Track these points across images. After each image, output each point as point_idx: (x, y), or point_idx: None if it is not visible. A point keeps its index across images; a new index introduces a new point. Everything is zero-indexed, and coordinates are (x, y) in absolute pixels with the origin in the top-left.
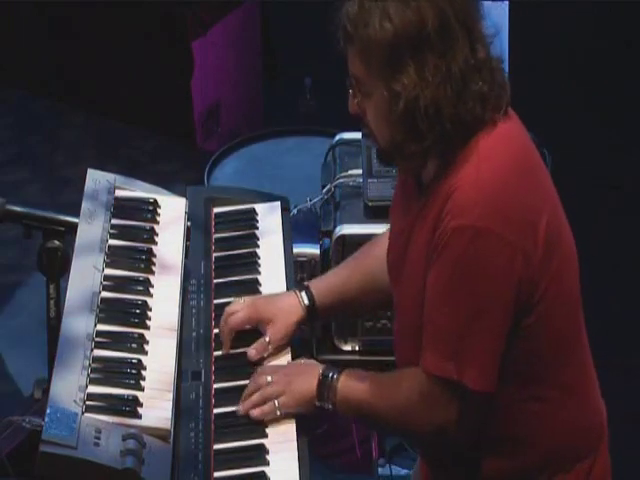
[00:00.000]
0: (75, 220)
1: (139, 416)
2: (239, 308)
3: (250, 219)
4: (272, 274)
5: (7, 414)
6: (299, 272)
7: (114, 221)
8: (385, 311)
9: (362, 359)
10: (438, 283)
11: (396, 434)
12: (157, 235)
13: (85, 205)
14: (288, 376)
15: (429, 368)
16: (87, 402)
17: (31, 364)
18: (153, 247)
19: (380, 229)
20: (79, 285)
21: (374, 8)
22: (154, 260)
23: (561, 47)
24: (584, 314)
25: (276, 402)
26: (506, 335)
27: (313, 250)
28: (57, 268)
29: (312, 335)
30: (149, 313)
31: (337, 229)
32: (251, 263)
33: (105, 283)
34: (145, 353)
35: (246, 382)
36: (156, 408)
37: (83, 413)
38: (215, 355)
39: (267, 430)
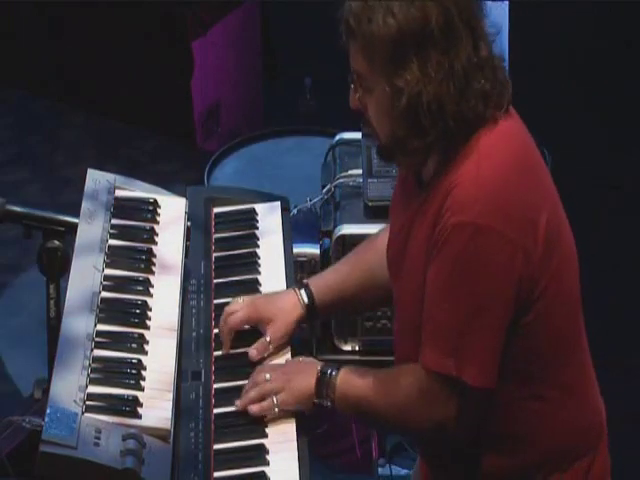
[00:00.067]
0: (75, 220)
1: (139, 416)
2: (238, 308)
3: (250, 219)
4: (272, 274)
5: (7, 414)
6: (299, 272)
7: (114, 221)
8: (385, 308)
9: (362, 359)
10: (438, 279)
11: (395, 431)
12: (157, 235)
13: (85, 205)
14: (287, 374)
15: (428, 364)
16: (87, 402)
17: (31, 364)
18: (153, 247)
19: None
20: (79, 285)
21: (378, 5)
22: (154, 260)
23: (561, 47)
24: (584, 314)
25: (275, 399)
26: (506, 332)
27: (313, 250)
28: (57, 268)
29: (312, 335)
30: (149, 313)
31: (337, 229)
32: (251, 263)
33: (105, 283)
34: (145, 353)
35: (246, 382)
36: (156, 408)
37: (83, 413)
38: (215, 355)
39: (267, 430)
